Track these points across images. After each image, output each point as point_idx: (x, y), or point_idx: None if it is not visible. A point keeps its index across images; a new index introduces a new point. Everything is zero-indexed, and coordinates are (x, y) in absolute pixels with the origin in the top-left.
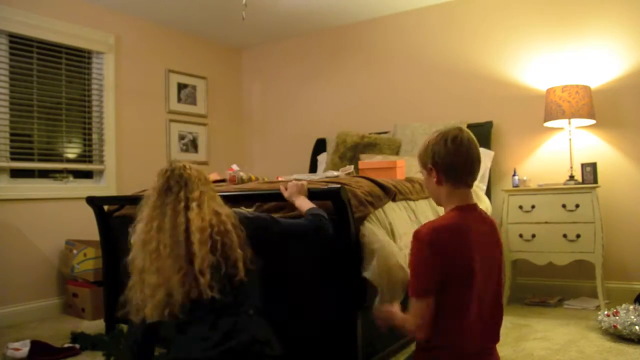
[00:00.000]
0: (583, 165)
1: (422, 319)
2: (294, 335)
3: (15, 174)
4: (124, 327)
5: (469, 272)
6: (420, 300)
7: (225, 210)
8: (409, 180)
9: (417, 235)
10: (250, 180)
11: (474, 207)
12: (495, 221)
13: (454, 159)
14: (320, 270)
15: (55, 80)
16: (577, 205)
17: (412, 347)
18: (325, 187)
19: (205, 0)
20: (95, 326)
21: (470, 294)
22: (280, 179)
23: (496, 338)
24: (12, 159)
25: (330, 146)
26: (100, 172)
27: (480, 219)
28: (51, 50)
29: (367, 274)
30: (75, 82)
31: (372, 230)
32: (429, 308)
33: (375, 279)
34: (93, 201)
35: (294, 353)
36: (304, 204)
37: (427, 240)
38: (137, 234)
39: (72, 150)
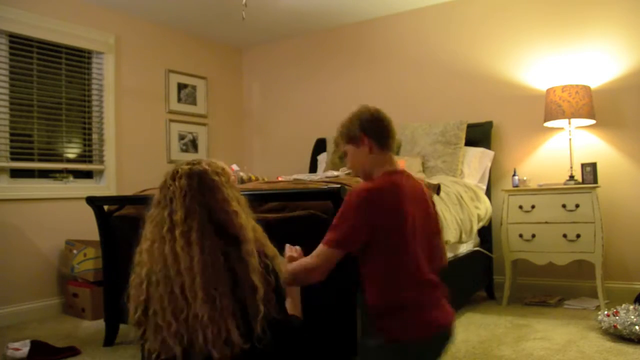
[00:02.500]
0: (583, 165)
1: (320, 263)
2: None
3: (15, 174)
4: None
5: (407, 227)
6: (327, 248)
7: None
8: None
9: (348, 195)
10: (250, 180)
11: (401, 171)
12: (422, 182)
13: (381, 124)
14: None
15: (55, 80)
16: (577, 205)
17: None
18: (325, 187)
19: (205, 0)
20: (95, 326)
21: (414, 249)
22: (280, 179)
23: (445, 292)
24: (12, 159)
25: (330, 146)
26: (100, 172)
27: (410, 180)
28: (51, 50)
29: None
30: (75, 82)
31: None
32: (330, 259)
33: None
34: (93, 201)
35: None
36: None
37: (357, 200)
38: None
39: (72, 150)
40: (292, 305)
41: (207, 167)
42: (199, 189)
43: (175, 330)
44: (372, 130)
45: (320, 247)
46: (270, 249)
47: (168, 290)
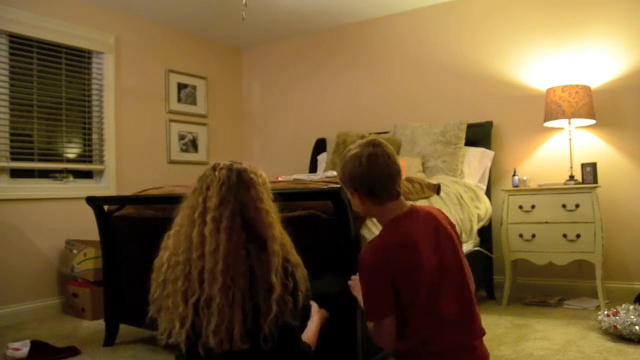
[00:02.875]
0: (583, 165)
1: (386, 336)
2: None
3: (15, 174)
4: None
5: (426, 278)
6: (377, 323)
7: None
8: (409, 180)
9: (362, 262)
10: None
11: (410, 213)
12: (441, 211)
13: (372, 180)
14: (319, 270)
15: (55, 80)
16: (577, 205)
17: None
18: (325, 187)
19: (205, 0)
20: (95, 326)
21: (433, 294)
22: (280, 179)
23: (477, 333)
24: (12, 159)
25: (330, 146)
26: (100, 172)
27: (422, 221)
28: (51, 50)
29: None
30: (75, 82)
31: None
32: (389, 326)
33: None
34: (93, 201)
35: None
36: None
37: (371, 265)
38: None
39: (72, 150)
40: (308, 330)
41: (247, 166)
42: (236, 183)
43: (181, 313)
44: (362, 188)
45: (372, 325)
46: (294, 257)
47: (186, 272)
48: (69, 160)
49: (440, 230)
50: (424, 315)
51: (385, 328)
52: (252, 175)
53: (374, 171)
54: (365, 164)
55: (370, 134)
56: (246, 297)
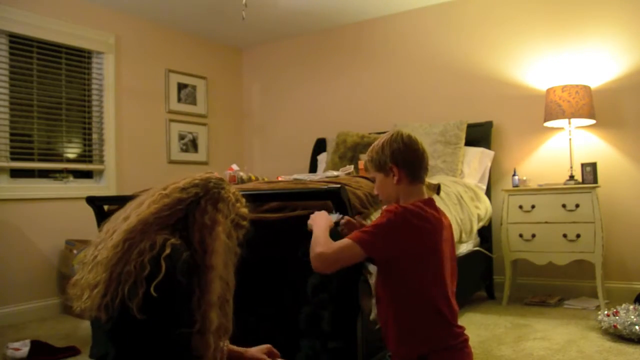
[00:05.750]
0: (583, 165)
1: (335, 253)
2: (294, 334)
3: (15, 174)
4: None
5: (440, 264)
6: (353, 243)
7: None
8: None
9: (388, 208)
10: (250, 180)
11: (433, 201)
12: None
13: (414, 155)
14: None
15: (55, 80)
16: (577, 205)
17: None
18: (325, 187)
19: (205, 0)
20: None
21: (444, 287)
22: (280, 179)
23: (463, 329)
24: (12, 159)
25: (330, 146)
26: (100, 172)
27: (442, 213)
28: (51, 50)
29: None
30: (75, 82)
31: None
32: (349, 255)
33: None
34: (93, 201)
35: (294, 352)
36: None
37: (395, 214)
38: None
39: (72, 150)
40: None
41: None
42: None
43: None
44: (403, 162)
45: (344, 240)
46: None
47: None
48: (69, 160)
49: (451, 230)
50: (444, 309)
51: (349, 253)
52: None
53: (413, 149)
54: (407, 141)
55: (370, 134)
56: None
